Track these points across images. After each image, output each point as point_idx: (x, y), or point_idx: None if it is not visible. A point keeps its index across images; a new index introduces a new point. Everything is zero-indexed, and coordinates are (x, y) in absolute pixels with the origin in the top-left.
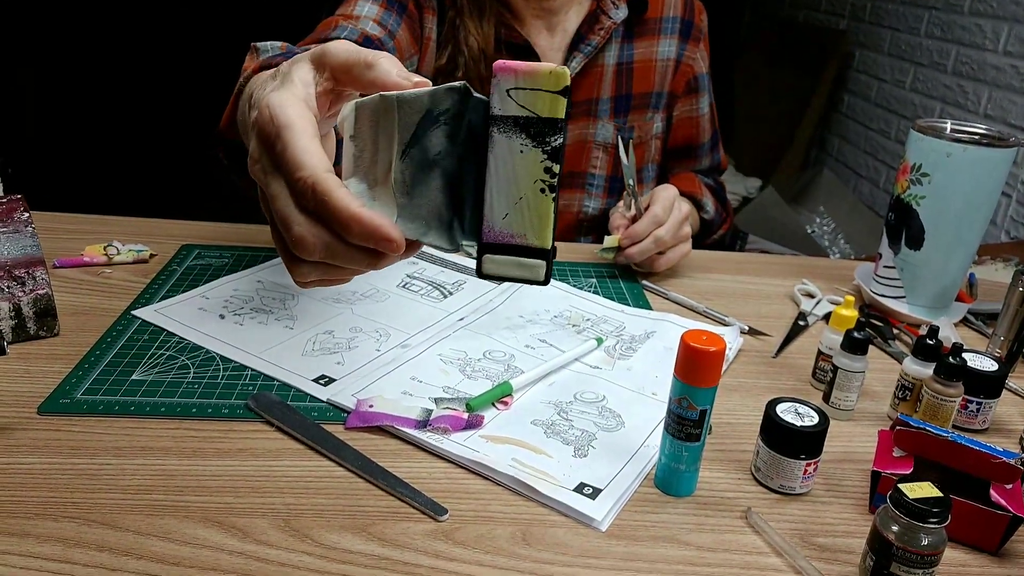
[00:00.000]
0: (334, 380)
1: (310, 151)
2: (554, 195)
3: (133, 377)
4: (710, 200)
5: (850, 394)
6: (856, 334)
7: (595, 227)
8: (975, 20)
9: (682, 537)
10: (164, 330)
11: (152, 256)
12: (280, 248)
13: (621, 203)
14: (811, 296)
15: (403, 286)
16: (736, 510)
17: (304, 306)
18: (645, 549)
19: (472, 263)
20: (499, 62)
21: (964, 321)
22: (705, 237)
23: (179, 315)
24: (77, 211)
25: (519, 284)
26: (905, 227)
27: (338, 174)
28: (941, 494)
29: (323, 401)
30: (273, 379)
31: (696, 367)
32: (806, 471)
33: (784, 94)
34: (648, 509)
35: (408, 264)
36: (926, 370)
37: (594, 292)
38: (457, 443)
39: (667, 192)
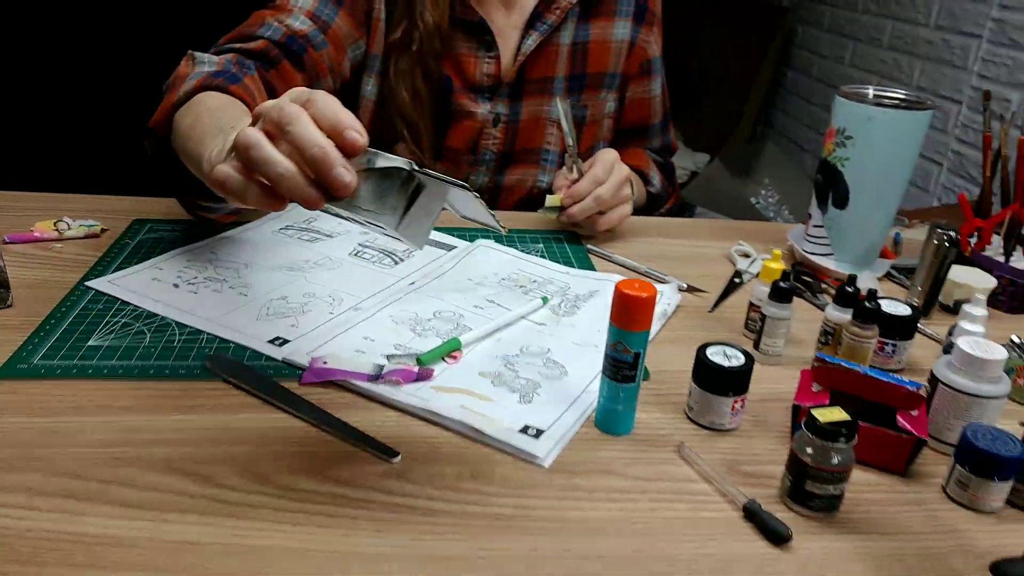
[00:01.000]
0: (288, 341)
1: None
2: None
3: (89, 343)
4: (657, 174)
5: (777, 340)
6: (782, 284)
7: None
8: None
9: (619, 470)
10: (118, 299)
11: (104, 231)
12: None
13: (563, 167)
14: (747, 256)
15: (355, 254)
16: (670, 446)
17: (258, 275)
18: (585, 481)
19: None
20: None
21: (887, 276)
22: (652, 211)
23: (133, 285)
24: (25, 189)
25: (461, 247)
26: (831, 188)
27: None
28: (848, 417)
29: (278, 360)
30: (229, 342)
31: (629, 313)
32: (734, 407)
33: (730, 71)
34: (589, 447)
35: (360, 234)
36: (845, 316)
37: (541, 256)
38: (408, 393)
39: (608, 155)
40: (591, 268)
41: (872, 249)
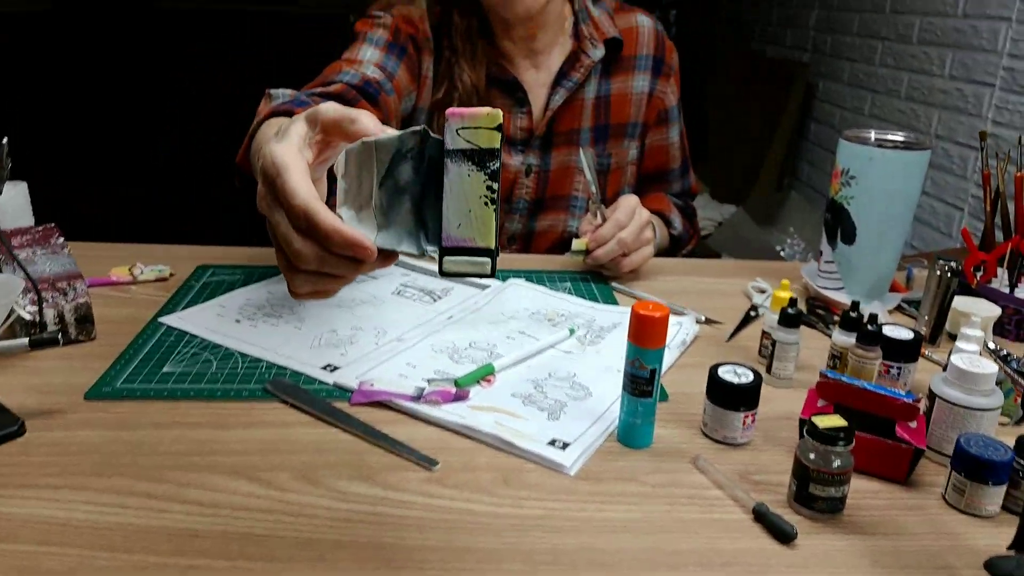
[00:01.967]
0: (339, 367)
1: (301, 185)
2: (495, 206)
3: (164, 370)
4: (678, 217)
5: (787, 363)
6: (789, 310)
7: None
8: (923, 48)
9: (639, 478)
10: (187, 333)
11: (172, 275)
12: (282, 265)
13: (588, 213)
14: (763, 292)
15: (397, 293)
16: (687, 457)
17: (309, 311)
18: (607, 487)
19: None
20: (450, 109)
21: (898, 308)
22: (674, 252)
23: (200, 320)
24: (99, 240)
25: (494, 286)
26: (839, 225)
27: (332, 206)
28: (846, 423)
29: (330, 384)
30: (286, 368)
31: (645, 331)
32: (745, 422)
33: (754, 124)
34: (611, 459)
35: (401, 275)
36: (850, 339)
37: (568, 293)
38: (447, 412)
39: (629, 200)
40: (615, 303)
41: (881, 282)
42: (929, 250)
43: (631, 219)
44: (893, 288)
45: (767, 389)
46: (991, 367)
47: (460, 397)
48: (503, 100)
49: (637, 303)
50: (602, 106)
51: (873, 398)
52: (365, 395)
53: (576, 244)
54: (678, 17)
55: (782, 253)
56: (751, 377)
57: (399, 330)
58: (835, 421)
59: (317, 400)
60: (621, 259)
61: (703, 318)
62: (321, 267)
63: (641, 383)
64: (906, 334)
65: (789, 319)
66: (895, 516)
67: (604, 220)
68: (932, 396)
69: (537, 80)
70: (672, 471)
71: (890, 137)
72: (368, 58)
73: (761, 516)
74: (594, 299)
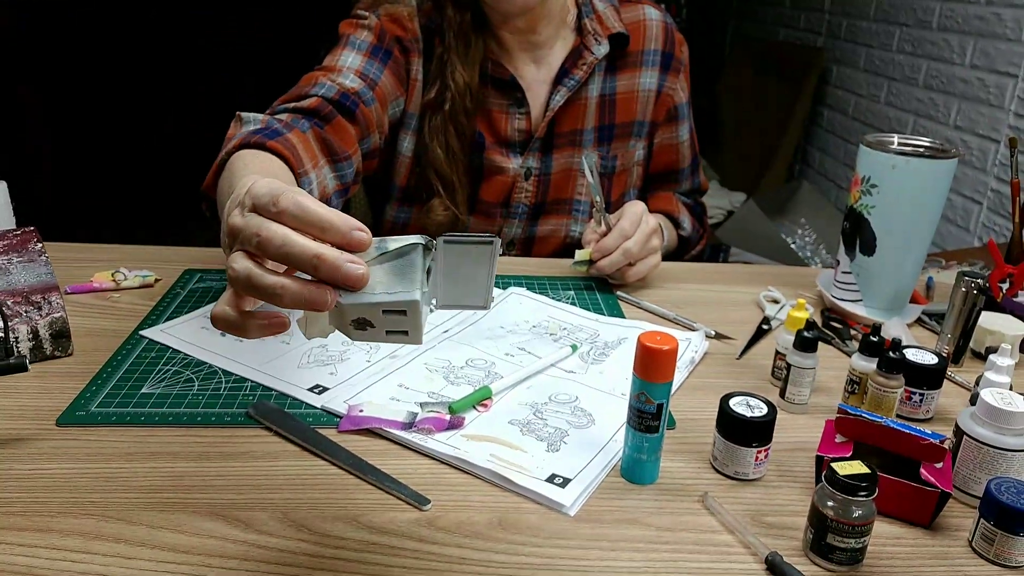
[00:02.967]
0: (328, 389)
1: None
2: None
3: (142, 391)
4: (687, 218)
5: (803, 389)
6: (806, 334)
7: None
8: (943, 36)
9: (644, 520)
10: (170, 348)
11: (157, 281)
12: (262, 283)
13: (592, 221)
14: (776, 302)
15: None
16: (694, 495)
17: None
18: (610, 530)
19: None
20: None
21: (919, 321)
22: (683, 253)
23: (183, 334)
24: (85, 240)
25: (500, 300)
26: (858, 235)
27: None
28: (868, 470)
29: (317, 408)
30: (271, 390)
31: (651, 365)
32: (757, 458)
33: (766, 110)
34: (614, 496)
35: None
36: (871, 365)
37: (572, 303)
38: (440, 442)
39: (635, 207)
40: (621, 315)
41: (901, 295)
42: (947, 246)
43: (636, 227)
44: (914, 299)
45: (781, 416)
46: None
47: (454, 425)
48: (499, 100)
49: (644, 334)
50: (607, 105)
51: (896, 437)
52: (353, 421)
53: (579, 255)
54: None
55: (792, 245)
56: (764, 410)
57: (392, 345)
58: (857, 468)
59: (303, 428)
60: (627, 269)
61: (713, 332)
62: (317, 269)
63: (647, 418)
64: (929, 359)
65: (805, 343)
66: (919, 566)
67: (608, 229)
68: (959, 432)
69: (537, 77)
70: (679, 512)
71: (914, 143)
72: (348, 65)
73: (774, 567)
74: (599, 310)
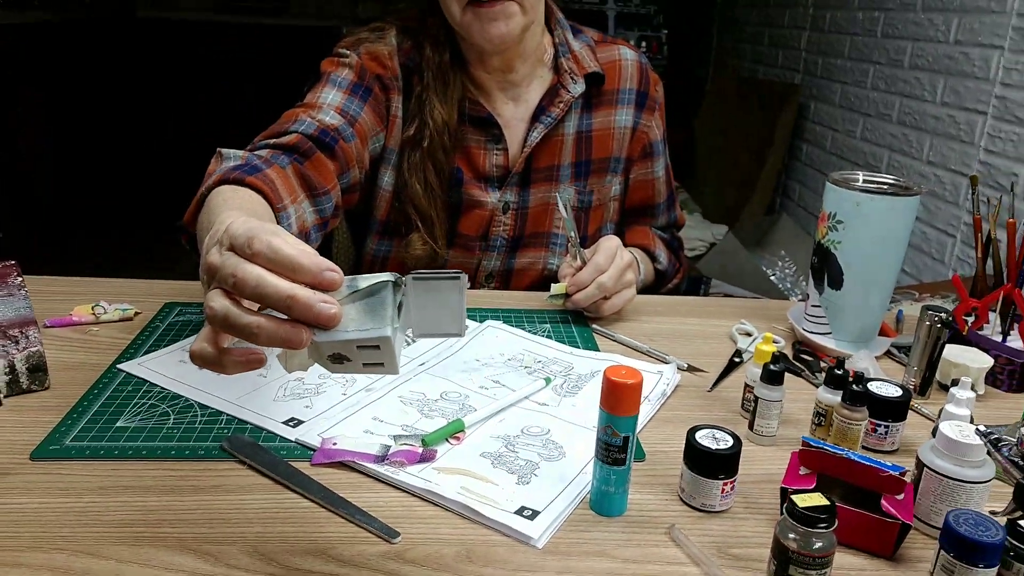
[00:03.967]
0: (303, 422)
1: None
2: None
3: (118, 424)
4: (663, 252)
5: (770, 421)
6: (772, 367)
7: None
8: (915, 74)
9: (611, 552)
10: (147, 381)
11: (136, 314)
12: (240, 323)
13: (567, 255)
14: (748, 335)
15: None
16: (662, 527)
17: (276, 357)
18: (577, 563)
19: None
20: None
21: (888, 354)
22: (659, 287)
23: (160, 367)
24: (66, 273)
25: (471, 328)
26: (826, 269)
27: None
28: (828, 502)
29: (292, 441)
30: (246, 423)
31: (617, 398)
32: (723, 490)
33: (746, 144)
34: (582, 528)
35: None
36: (836, 397)
37: (547, 336)
38: (411, 475)
39: (610, 243)
40: (595, 348)
41: (869, 328)
42: (923, 278)
43: (611, 262)
44: (883, 332)
45: (749, 447)
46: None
47: (426, 458)
48: (477, 136)
49: (609, 368)
50: (583, 141)
51: (858, 469)
52: (327, 455)
53: (555, 288)
54: (669, 37)
55: (772, 277)
56: (730, 443)
57: (368, 379)
58: (816, 500)
59: (276, 461)
60: (602, 303)
61: (685, 365)
62: (290, 309)
63: (614, 451)
64: (894, 391)
65: (772, 376)
66: None
67: (583, 263)
68: (920, 464)
69: (515, 115)
70: (645, 544)
71: (878, 180)
72: (329, 102)
73: None
74: (574, 343)
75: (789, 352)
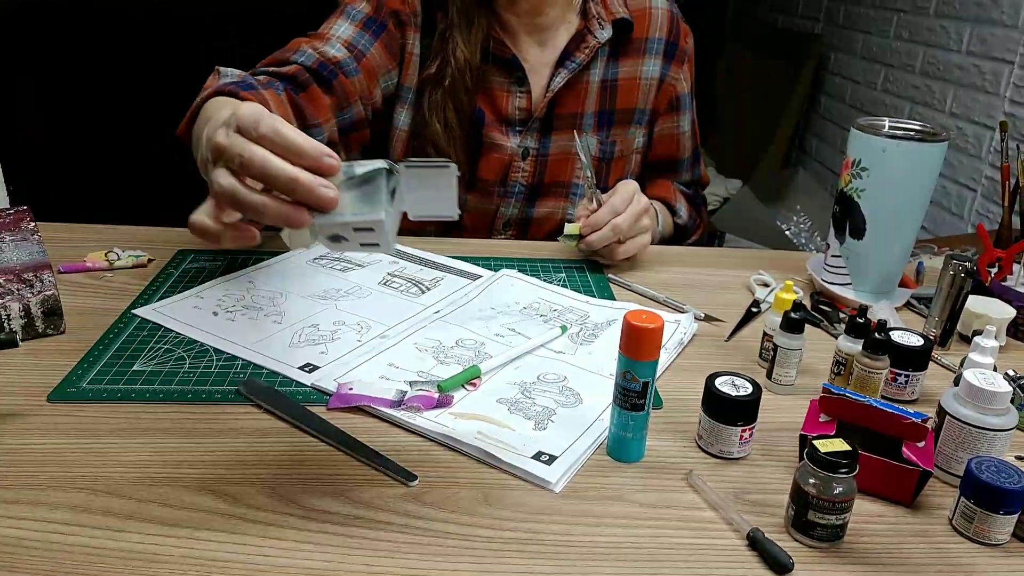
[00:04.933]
0: (318, 367)
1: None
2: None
3: (134, 368)
4: (684, 206)
5: (789, 370)
6: (793, 315)
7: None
8: (940, 22)
9: (628, 496)
10: (162, 327)
11: (150, 261)
12: (245, 198)
13: (584, 198)
14: (766, 285)
15: (384, 283)
16: (679, 473)
17: (291, 303)
18: (594, 507)
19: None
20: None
21: (908, 305)
22: (679, 241)
23: (176, 313)
24: (79, 221)
25: (485, 276)
26: (848, 219)
27: None
28: (849, 448)
29: (307, 386)
30: (262, 368)
31: (637, 343)
32: (742, 437)
33: (764, 96)
34: (600, 474)
35: (390, 263)
36: (856, 346)
37: (563, 285)
38: (428, 419)
39: (627, 186)
40: (611, 297)
41: (890, 279)
42: (940, 233)
43: (628, 205)
44: (903, 283)
45: (767, 396)
46: (1005, 384)
47: (443, 403)
48: (500, 78)
49: (630, 312)
50: (608, 90)
51: (879, 416)
52: (343, 399)
53: (569, 228)
54: None
55: (788, 232)
56: (749, 389)
57: (383, 325)
58: (838, 445)
59: (292, 405)
60: (616, 246)
61: (702, 315)
62: (294, 191)
63: (632, 396)
64: (915, 340)
65: (792, 324)
66: (899, 544)
67: (599, 205)
68: (942, 412)
69: (541, 59)
70: (663, 489)
71: (905, 127)
72: (339, 34)
73: (756, 543)
74: (590, 292)
75: (808, 303)
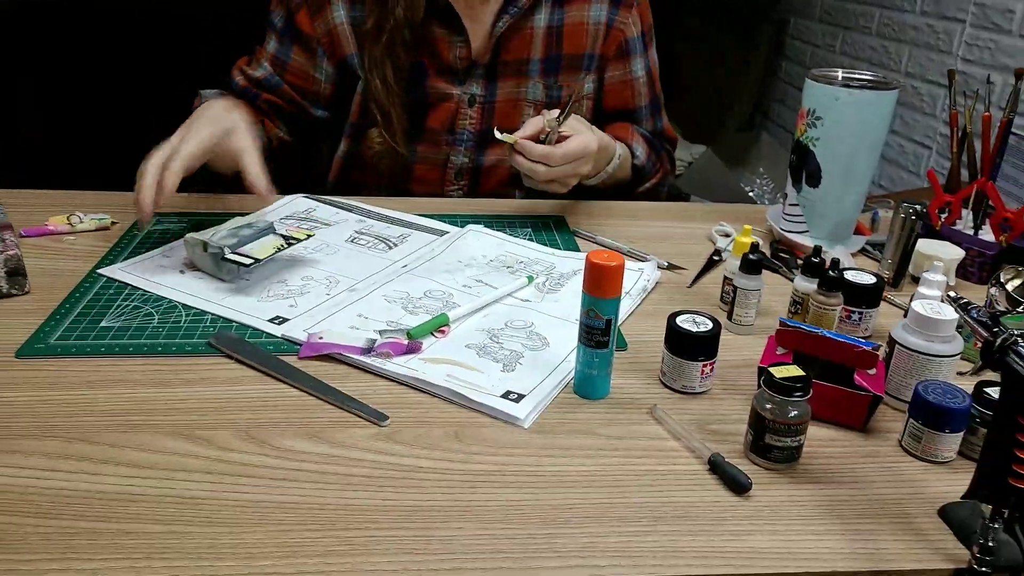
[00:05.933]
0: (287, 320)
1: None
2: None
3: (102, 324)
4: (641, 148)
5: (749, 310)
6: (751, 256)
7: None
8: None
9: (595, 430)
10: (128, 284)
11: (113, 224)
12: None
13: (555, 111)
14: (727, 236)
15: (351, 240)
16: (644, 408)
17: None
18: (562, 440)
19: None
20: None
21: (862, 251)
22: (637, 184)
23: (142, 271)
24: (38, 187)
25: (452, 232)
26: (804, 167)
27: None
28: (803, 373)
29: (278, 337)
30: (232, 322)
31: (599, 281)
32: (703, 371)
33: (724, 62)
34: (567, 411)
35: (356, 221)
36: (812, 285)
37: (528, 240)
38: (398, 365)
39: (586, 145)
40: (576, 250)
41: (845, 225)
42: (897, 190)
43: (569, 162)
44: (858, 231)
45: (728, 336)
46: (951, 313)
47: (412, 350)
48: (440, 28)
49: (592, 252)
50: (554, 36)
51: (832, 346)
52: (313, 348)
53: (505, 137)
54: None
55: (751, 194)
56: (710, 326)
57: (351, 280)
58: (792, 371)
59: (263, 354)
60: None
61: (666, 264)
62: None
63: (596, 334)
64: (867, 279)
65: (751, 265)
66: (851, 464)
67: (549, 137)
68: (892, 343)
69: (485, 8)
70: (628, 423)
71: (857, 76)
72: (268, 50)
73: (716, 467)
74: (555, 246)
75: (768, 252)
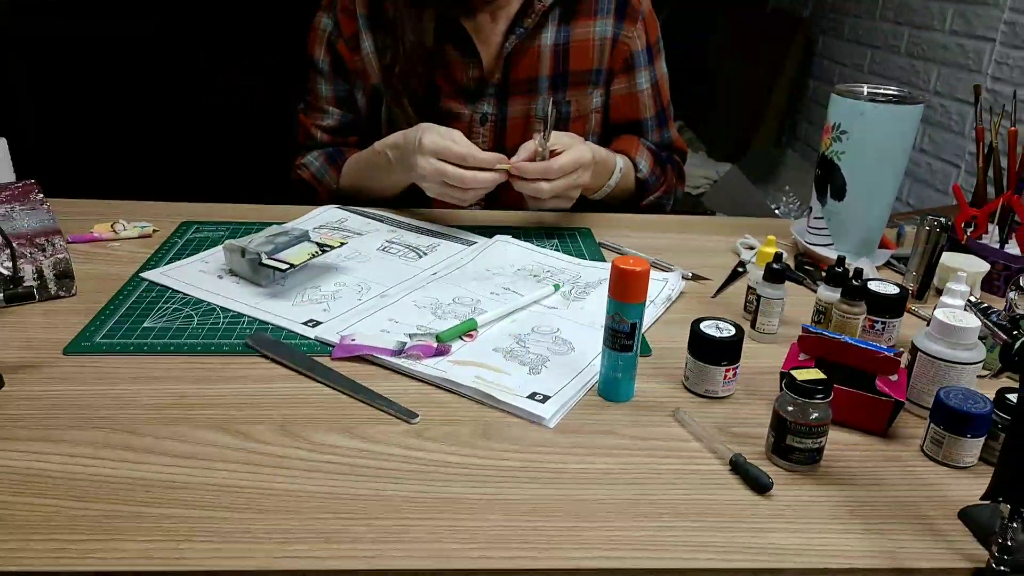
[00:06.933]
0: (321, 323)
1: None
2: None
3: (144, 325)
4: (646, 160)
5: (772, 319)
6: (774, 265)
7: None
8: (924, 2)
9: (619, 431)
10: (169, 288)
11: (155, 231)
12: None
13: (540, 135)
14: (752, 248)
15: (383, 249)
16: (666, 411)
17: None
18: (586, 440)
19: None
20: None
21: (887, 264)
22: (641, 197)
23: (182, 276)
24: (83, 197)
25: (480, 242)
26: (829, 181)
27: None
28: (824, 376)
29: (311, 339)
30: (267, 324)
31: (624, 286)
32: (726, 376)
33: (753, 81)
34: (592, 412)
35: (388, 231)
36: (835, 295)
37: (555, 249)
38: (427, 366)
39: (580, 156)
40: (601, 259)
41: (870, 238)
42: (925, 208)
43: (563, 176)
44: (883, 245)
45: (751, 344)
46: (973, 321)
47: (441, 352)
48: (455, 51)
49: (618, 258)
50: (561, 53)
51: (854, 352)
52: (346, 349)
53: (500, 165)
54: None
55: (777, 211)
56: (733, 331)
57: (382, 286)
58: (813, 374)
59: (297, 354)
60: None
61: (690, 274)
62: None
63: (621, 337)
64: (891, 289)
65: (774, 274)
66: (872, 468)
67: (542, 155)
68: (914, 350)
69: (494, 29)
70: (651, 424)
71: (882, 91)
72: (325, 96)
73: (738, 467)
74: (581, 255)
75: (792, 265)
